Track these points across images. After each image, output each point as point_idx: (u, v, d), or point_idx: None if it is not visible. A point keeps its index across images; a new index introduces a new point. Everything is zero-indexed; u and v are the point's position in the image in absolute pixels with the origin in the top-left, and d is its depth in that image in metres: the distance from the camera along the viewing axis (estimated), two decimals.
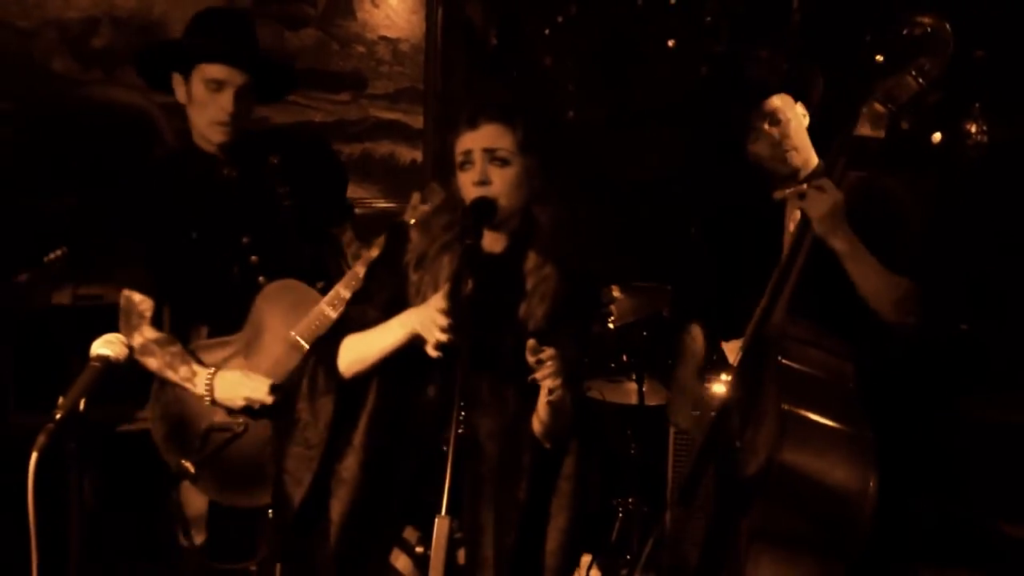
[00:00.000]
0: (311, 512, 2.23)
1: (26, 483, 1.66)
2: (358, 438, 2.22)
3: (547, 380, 2.03)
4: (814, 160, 2.66)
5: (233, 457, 2.60)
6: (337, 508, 2.20)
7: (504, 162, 2.17)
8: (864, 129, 2.40)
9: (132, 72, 3.81)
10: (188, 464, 2.57)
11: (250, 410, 2.57)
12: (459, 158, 2.20)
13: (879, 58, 2.44)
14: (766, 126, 2.62)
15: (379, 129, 4.27)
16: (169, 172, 2.72)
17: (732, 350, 2.60)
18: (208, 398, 2.58)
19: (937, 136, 3.67)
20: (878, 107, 2.39)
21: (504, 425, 2.20)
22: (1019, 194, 3.42)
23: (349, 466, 2.21)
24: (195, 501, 2.67)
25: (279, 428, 2.36)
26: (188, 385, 2.59)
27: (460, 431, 1.90)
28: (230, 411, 2.60)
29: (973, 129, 3.54)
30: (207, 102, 2.57)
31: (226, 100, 2.55)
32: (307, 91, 4.06)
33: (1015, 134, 3.48)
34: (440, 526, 1.81)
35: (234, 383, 2.57)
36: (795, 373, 2.35)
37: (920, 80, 2.36)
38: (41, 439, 1.65)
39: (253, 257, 2.67)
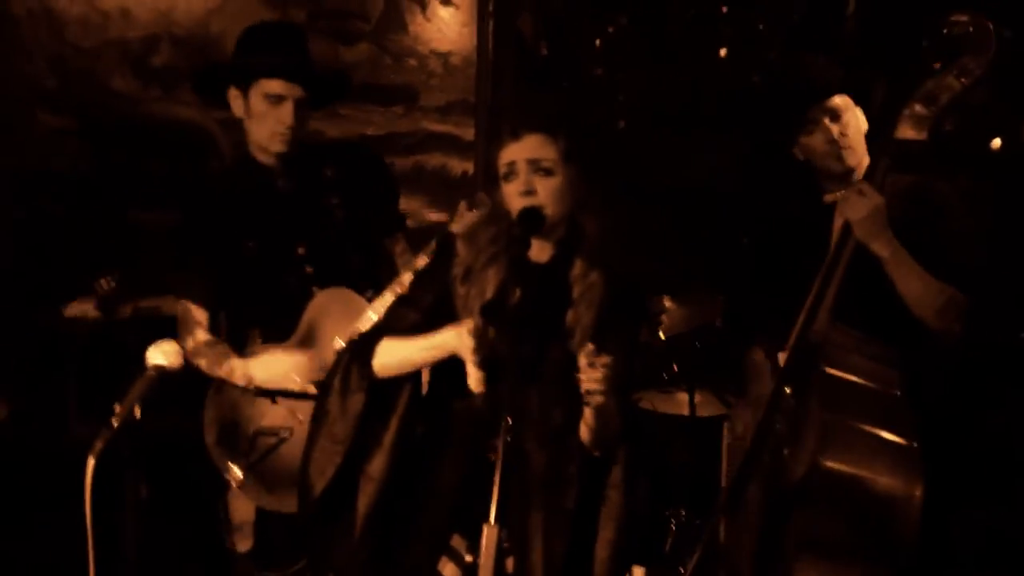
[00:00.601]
0: (334, 506, 2.26)
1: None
2: (388, 438, 2.25)
3: (591, 383, 2.03)
4: (866, 164, 2.61)
5: (279, 462, 2.64)
6: (363, 503, 2.24)
7: (548, 172, 2.18)
8: (906, 131, 2.35)
9: (190, 89, 3.96)
10: (236, 469, 2.63)
11: (293, 394, 2.62)
12: (503, 169, 2.21)
13: (936, 65, 2.37)
14: (826, 121, 2.57)
15: (430, 141, 4.30)
16: (227, 184, 2.80)
17: (781, 357, 2.57)
18: (250, 385, 2.63)
19: (997, 142, 3.60)
20: (919, 109, 2.33)
21: (551, 434, 2.21)
22: None
23: (377, 465, 2.24)
24: (242, 507, 2.73)
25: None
26: (231, 379, 2.65)
27: (507, 439, 1.90)
28: (273, 396, 2.64)
29: None
30: (267, 115, 2.64)
31: (286, 113, 2.62)
32: (360, 104, 4.11)
33: None
34: (489, 535, 1.81)
35: (271, 362, 2.63)
36: (838, 380, 2.31)
37: (962, 80, 2.30)
38: (98, 445, 1.70)
39: (308, 267, 2.73)
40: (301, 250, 2.73)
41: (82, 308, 3.12)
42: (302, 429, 2.61)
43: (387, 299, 2.60)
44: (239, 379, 2.64)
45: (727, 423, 3.70)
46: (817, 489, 2.19)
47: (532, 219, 2.17)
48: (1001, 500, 3.05)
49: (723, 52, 4.32)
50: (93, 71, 3.86)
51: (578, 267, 2.23)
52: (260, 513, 2.71)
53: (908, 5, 3.72)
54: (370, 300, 2.69)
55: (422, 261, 2.53)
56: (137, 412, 1.74)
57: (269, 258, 2.72)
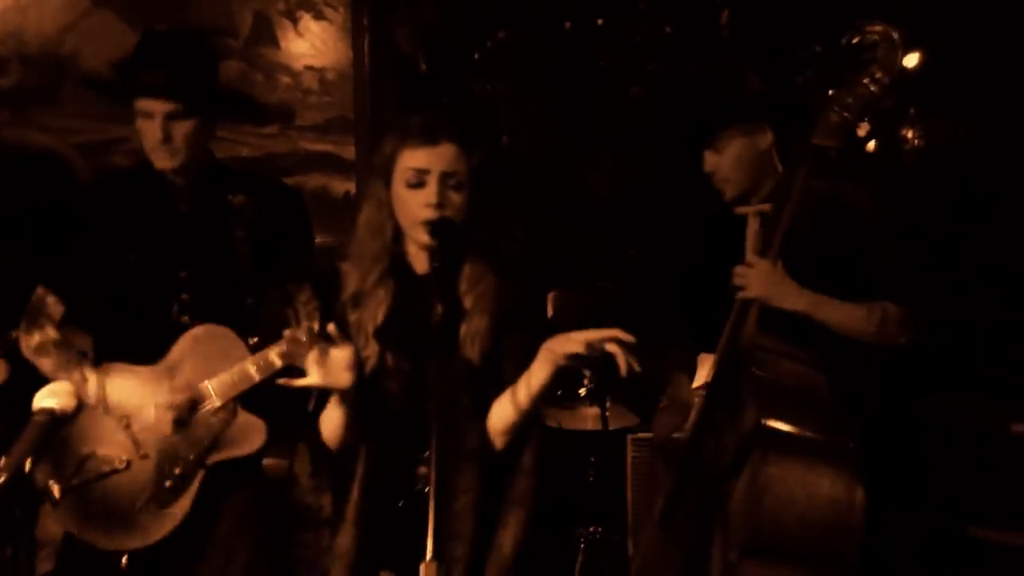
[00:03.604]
0: None
1: None
2: (351, 511, 2.12)
3: None
4: (767, 182, 2.57)
5: (105, 494, 2.47)
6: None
7: (459, 187, 2.09)
8: (822, 138, 2.37)
9: (43, 112, 3.70)
10: (54, 487, 2.40)
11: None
12: (407, 174, 2.08)
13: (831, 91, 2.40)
14: (707, 152, 2.58)
15: (310, 162, 4.10)
16: (123, 187, 2.67)
17: (705, 363, 2.55)
18: (99, 405, 2.46)
19: (871, 145, 3.69)
20: (834, 115, 2.37)
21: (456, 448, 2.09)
22: (963, 199, 3.45)
23: (343, 541, 2.12)
24: (49, 527, 2.56)
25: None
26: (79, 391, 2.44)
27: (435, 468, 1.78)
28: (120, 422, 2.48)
29: (910, 135, 3.56)
30: (143, 130, 2.57)
31: (156, 128, 2.53)
32: (232, 125, 3.89)
33: (951, 138, 3.51)
34: (427, 572, 1.69)
35: (130, 386, 2.48)
36: (771, 386, 2.31)
37: (873, 87, 2.35)
38: None
39: (185, 295, 2.58)
40: (184, 274, 2.58)
41: None
42: (142, 466, 2.46)
43: (270, 356, 2.42)
44: (90, 394, 2.45)
45: (630, 436, 3.68)
46: (758, 495, 2.16)
47: (447, 231, 2.06)
48: (917, 495, 3.11)
49: (602, 64, 4.32)
50: None
51: (467, 275, 2.13)
52: (68, 539, 2.54)
53: (779, 17, 3.83)
54: (253, 348, 2.54)
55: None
56: (27, 465, 1.51)
57: (147, 275, 2.57)
